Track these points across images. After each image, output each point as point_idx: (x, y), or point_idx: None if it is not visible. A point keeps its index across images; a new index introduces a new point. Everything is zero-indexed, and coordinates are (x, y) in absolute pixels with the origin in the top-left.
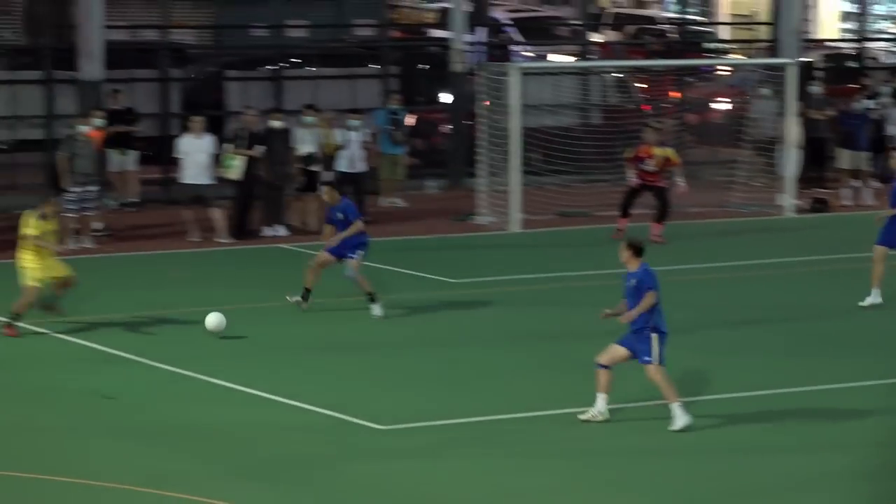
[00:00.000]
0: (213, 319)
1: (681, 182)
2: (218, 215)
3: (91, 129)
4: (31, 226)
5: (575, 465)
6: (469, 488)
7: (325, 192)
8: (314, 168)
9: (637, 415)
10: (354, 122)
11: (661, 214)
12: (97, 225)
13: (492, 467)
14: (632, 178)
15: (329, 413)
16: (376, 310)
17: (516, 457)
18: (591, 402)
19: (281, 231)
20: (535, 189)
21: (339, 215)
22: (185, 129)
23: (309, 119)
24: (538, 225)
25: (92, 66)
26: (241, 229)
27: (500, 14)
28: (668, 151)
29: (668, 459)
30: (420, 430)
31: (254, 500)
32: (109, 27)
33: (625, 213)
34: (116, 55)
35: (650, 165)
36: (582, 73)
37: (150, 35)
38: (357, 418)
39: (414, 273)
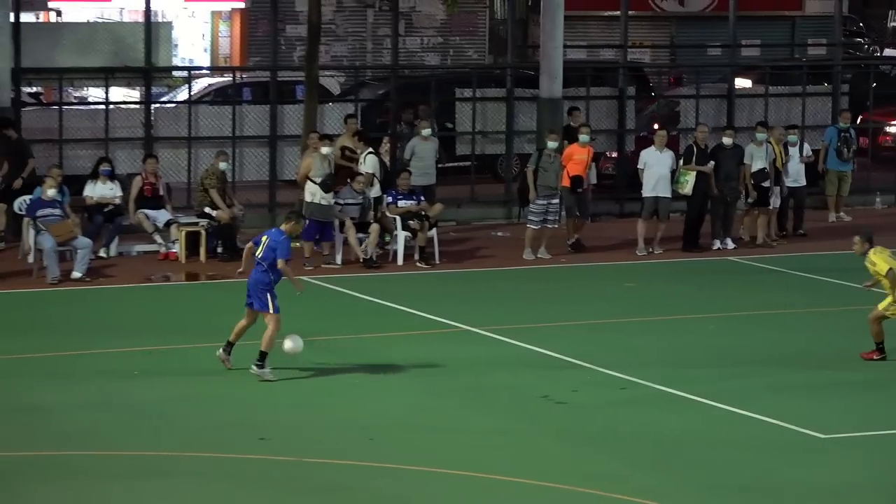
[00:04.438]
0: (291, 344)
1: None
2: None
3: (556, 145)
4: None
5: None
6: None
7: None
8: (765, 184)
9: None
10: (794, 138)
11: None
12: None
13: None
14: None
15: (769, 420)
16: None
17: None
18: None
19: (730, 244)
20: None
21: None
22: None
23: (761, 136)
24: None
25: (552, 85)
26: (692, 242)
27: None
28: None
29: None
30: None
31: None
32: (569, 47)
33: None
34: (575, 73)
35: None
36: None
37: (608, 54)
38: (797, 426)
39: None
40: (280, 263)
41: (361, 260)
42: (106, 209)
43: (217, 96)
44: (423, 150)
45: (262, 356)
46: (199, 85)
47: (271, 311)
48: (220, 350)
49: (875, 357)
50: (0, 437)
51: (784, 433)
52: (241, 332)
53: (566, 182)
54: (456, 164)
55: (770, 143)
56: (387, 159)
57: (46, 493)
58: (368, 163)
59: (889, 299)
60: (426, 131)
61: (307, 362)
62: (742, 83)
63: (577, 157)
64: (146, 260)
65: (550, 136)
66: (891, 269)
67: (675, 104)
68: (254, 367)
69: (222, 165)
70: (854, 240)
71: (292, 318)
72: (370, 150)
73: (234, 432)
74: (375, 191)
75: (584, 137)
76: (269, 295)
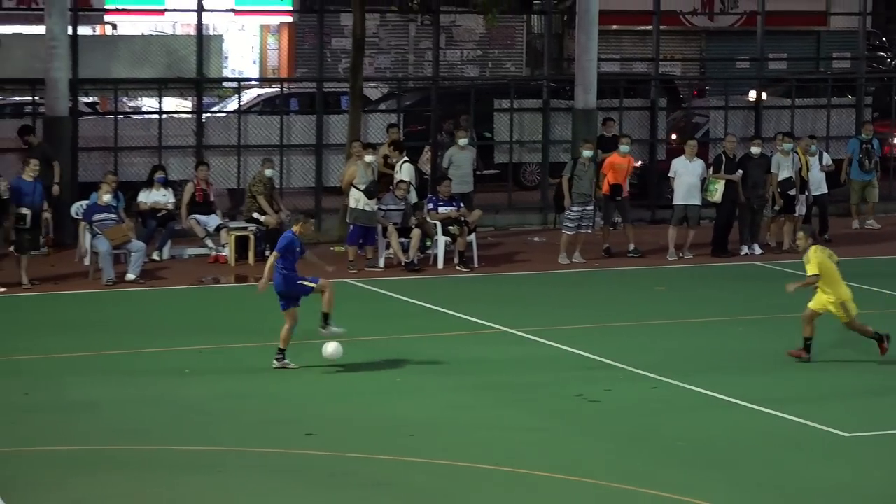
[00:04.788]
0: (331, 350)
1: None
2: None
3: (591, 154)
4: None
5: None
6: None
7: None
8: (791, 192)
9: None
10: (813, 148)
11: None
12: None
13: None
14: None
15: (795, 419)
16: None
17: None
18: None
19: (757, 250)
20: None
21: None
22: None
23: (788, 146)
24: None
25: (586, 96)
26: (721, 248)
27: None
28: None
29: None
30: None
31: (719, 498)
32: (603, 60)
33: None
34: (609, 85)
35: None
36: None
37: (641, 67)
38: (822, 425)
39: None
40: (273, 255)
41: (403, 263)
42: (159, 214)
43: (265, 106)
44: (460, 158)
45: (326, 317)
46: (249, 95)
47: (314, 285)
48: (275, 360)
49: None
50: (56, 432)
51: (809, 431)
52: (288, 336)
53: (606, 190)
54: (486, 171)
55: (797, 152)
56: (427, 168)
57: (101, 485)
58: (404, 171)
59: (831, 298)
60: (463, 141)
61: (352, 361)
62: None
63: (618, 166)
64: (197, 263)
65: (585, 145)
66: (815, 274)
67: (693, 115)
68: (322, 330)
69: (268, 172)
70: (798, 235)
71: (337, 320)
72: (405, 158)
73: (281, 428)
74: (412, 197)
75: (624, 147)
76: (301, 280)
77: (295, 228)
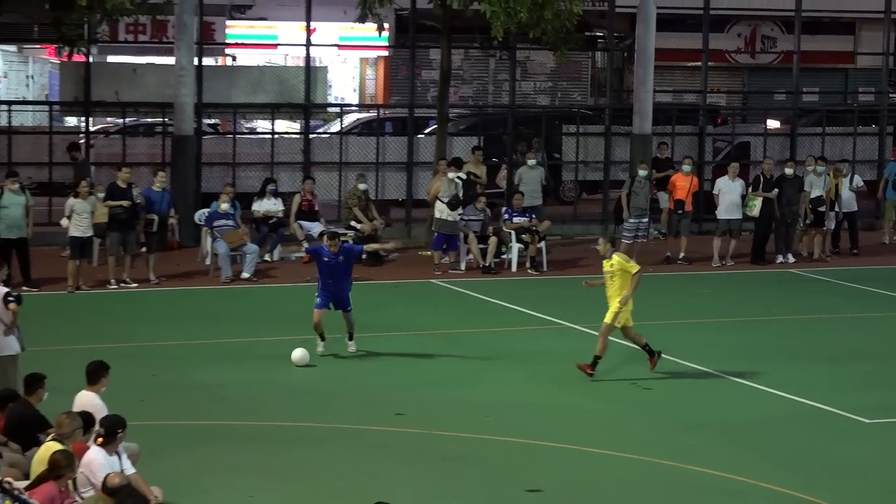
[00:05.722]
0: (298, 354)
1: None
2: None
3: (646, 173)
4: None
5: None
6: None
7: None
8: (821, 208)
9: None
10: (844, 170)
11: None
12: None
13: None
14: None
15: (822, 407)
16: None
17: None
18: None
19: (790, 259)
20: None
21: (341, 258)
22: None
23: (821, 168)
24: None
25: (643, 123)
26: (759, 256)
27: None
28: None
29: None
30: None
31: (755, 475)
32: (658, 91)
33: None
34: (662, 114)
35: None
36: None
37: (690, 98)
38: (846, 412)
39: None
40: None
41: (481, 267)
42: (270, 221)
43: (363, 129)
44: (529, 177)
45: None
46: (349, 119)
47: (318, 300)
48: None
49: (589, 371)
50: (181, 409)
51: (833, 417)
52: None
53: (672, 205)
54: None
55: (829, 175)
56: (503, 185)
57: (219, 455)
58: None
59: (613, 309)
60: (532, 161)
61: (436, 351)
62: (772, 124)
63: (681, 185)
64: (303, 264)
65: (641, 165)
66: (640, 270)
67: (714, 140)
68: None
69: (361, 186)
70: (599, 241)
71: (424, 316)
72: (459, 173)
73: (374, 408)
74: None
75: (686, 167)
76: (320, 290)
77: (326, 242)
